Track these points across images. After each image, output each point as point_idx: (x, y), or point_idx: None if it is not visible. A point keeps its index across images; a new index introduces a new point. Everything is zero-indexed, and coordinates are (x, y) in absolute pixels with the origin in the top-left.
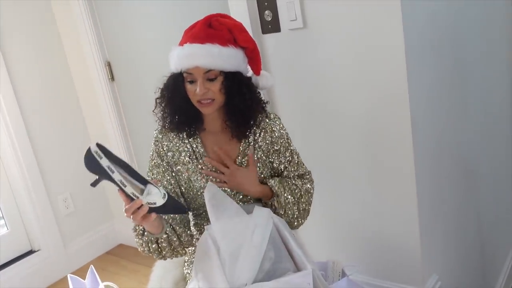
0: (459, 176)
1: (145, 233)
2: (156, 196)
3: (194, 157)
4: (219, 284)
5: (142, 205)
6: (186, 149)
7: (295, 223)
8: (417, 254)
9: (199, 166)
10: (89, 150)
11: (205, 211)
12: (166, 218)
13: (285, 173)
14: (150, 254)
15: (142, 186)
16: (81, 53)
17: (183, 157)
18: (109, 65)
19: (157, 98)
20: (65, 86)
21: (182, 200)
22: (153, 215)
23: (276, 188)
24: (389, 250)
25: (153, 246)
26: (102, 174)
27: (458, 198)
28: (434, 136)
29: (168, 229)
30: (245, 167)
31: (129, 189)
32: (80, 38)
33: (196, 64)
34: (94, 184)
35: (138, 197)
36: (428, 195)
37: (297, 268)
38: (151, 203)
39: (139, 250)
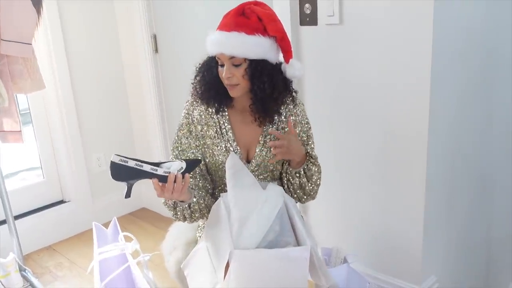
0: (473, 185)
1: (178, 204)
2: (177, 164)
3: (220, 132)
4: (225, 245)
5: (176, 177)
6: (213, 124)
7: (313, 193)
8: (418, 253)
9: (223, 143)
10: (113, 162)
11: (224, 184)
12: (192, 182)
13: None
14: (185, 221)
15: (160, 168)
16: (131, 24)
17: (210, 131)
18: (155, 37)
19: (195, 73)
20: (112, 53)
21: (204, 168)
22: (187, 177)
23: (313, 153)
24: (392, 246)
25: (187, 212)
26: (133, 175)
27: (468, 206)
28: (451, 142)
29: (195, 193)
30: (287, 133)
31: (160, 170)
32: (131, 9)
33: (220, 51)
34: (128, 193)
35: (169, 172)
36: (437, 199)
37: (298, 244)
38: (180, 170)
39: (173, 219)
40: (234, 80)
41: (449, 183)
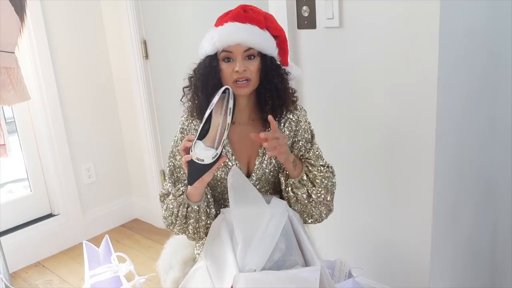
0: (478, 191)
1: (183, 195)
2: (206, 155)
3: None
4: (229, 266)
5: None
6: None
7: (322, 199)
8: (426, 264)
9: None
10: (227, 88)
11: (224, 199)
12: (209, 197)
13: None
14: (174, 220)
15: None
16: (120, 29)
17: None
18: (144, 43)
19: (186, 87)
20: (100, 60)
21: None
22: (185, 157)
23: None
24: (398, 258)
25: (183, 210)
26: (221, 110)
27: (474, 214)
28: (458, 148)
29: (203, 205)
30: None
31: (195, 144)
32: (120, 14)
33: (238, 40)
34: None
35: (190, 152)
36: (444, 207)
37: (306, 263)
38: (200, 159)
39: (164, 214)
40: (247, 74)
41: (455, 190)
